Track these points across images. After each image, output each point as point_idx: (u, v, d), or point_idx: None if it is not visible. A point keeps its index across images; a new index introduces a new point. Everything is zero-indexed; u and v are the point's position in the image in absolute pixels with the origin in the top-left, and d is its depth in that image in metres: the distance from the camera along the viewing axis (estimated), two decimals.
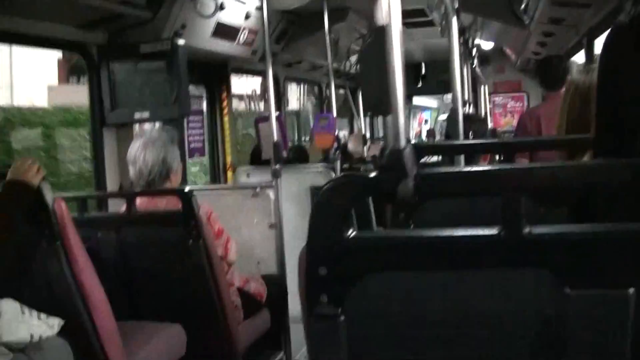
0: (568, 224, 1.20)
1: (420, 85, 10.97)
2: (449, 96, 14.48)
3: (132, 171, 3.66)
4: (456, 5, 5.21)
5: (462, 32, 6.10)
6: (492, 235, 1.18)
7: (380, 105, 1.24)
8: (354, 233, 1.23)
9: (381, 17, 1.24)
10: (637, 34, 1.44)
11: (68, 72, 13.54)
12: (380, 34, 1.24)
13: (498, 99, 10.58)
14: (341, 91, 9.28)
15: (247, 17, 5.08)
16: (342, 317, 1.24)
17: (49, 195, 2.57)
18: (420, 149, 2.30)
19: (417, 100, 16.03)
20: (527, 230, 1.17)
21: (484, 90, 8.81)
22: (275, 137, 3.98)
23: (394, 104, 1.23)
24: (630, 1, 3.79)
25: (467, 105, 6.46)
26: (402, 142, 1.24)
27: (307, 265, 1.26)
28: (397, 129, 1.24)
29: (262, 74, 5.65)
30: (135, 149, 3.65)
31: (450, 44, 3.54)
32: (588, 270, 1.15)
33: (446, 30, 3.78)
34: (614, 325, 1.14)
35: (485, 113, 9.17)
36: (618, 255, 1.15)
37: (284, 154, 4.15)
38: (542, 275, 1.17)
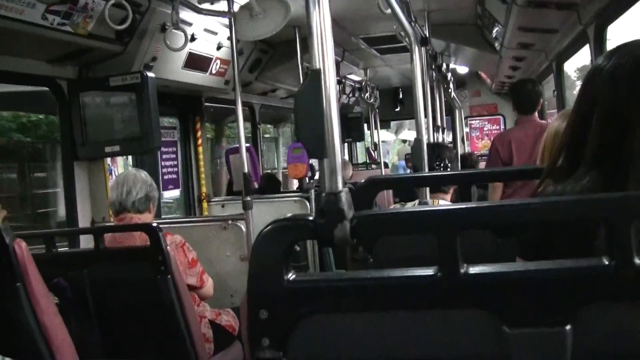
0: (504, 263, 1.21)
1: (398, 109, 11.07)
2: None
3: (114, 193, 3.68)
4: (427, 33, 5.28)
5: (434, 58, 6.15)
6: (429, 276, 1.19)
7: (316, 148, 1.25)
8: (293, 276, 1.24)
9: (316, 60, 1.26)
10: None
11: None
12: (315, 77, 1.25)
13: (475, 122, 10.66)
14: None
15: (218, 47, 5.10)
16: None
17: (8, 235, 2.56)
18: (378, 183, 2.32)
19: None
20: (463, 270, 1.17)
21: (459, 114, 8.87)
22: (246, 169, 3.98)
23: (330, 147, 1.24)
24: (593, 27, 3.85)
25: (442, 130, 6.49)
26: (339, 186, 1.24)
27: (248, 309, 1.26)
28: (334, 172, 1.24)
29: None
30: (125, 173, 3.84)
31: (414, 72, 3.56)
32: (525, 308, 1.16)
33: (412, 58, 3.79)
34: None
35: (462, 138, 9.22)
36: (554, 293, 1.16)
37: (255, 185, 4.14)
38: (480, 315, 1.18)
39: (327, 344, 1.25)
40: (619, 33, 3.92)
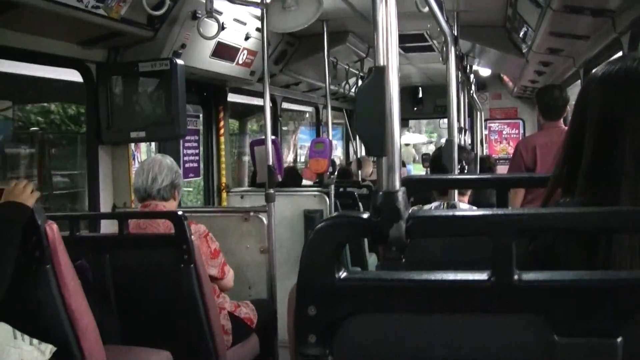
0: (559, 271, 1.19)
1: (417, 109, 11.03)
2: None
3: (140, 179, 3.69)
4: (455, 33, 5.25)
5: (460, 59, 6.12)
6: (481, 281, 1.17)
7: (376, 145, 1.23)
8: (344, 274, 1.22)
9: (381, 57, 1.24)
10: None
11: None
12: (378, 74, 1.23)
13: (494, 125, 10.61)
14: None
15: (246, 38, 5.09)
16: (330, 358, 1.22)
17: (40, 217, 2.56)
18: (414, 183, 2.31)
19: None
20: (516, 276, 1.16)
21: (480, 116, 8.82)
22: (270, 161, 3.97)
23: (390, 145, 1.23)
24: (627, 35, 3.81)
25: (464, 132, 6.46)
26: (397, 185, 1.23)
27: (296, 304, 1.25)
28: (392, 171, 1.23)
29: (260, 94, 5.68)
30: (151, 158, 3.83)
31: (448, 73, 3.54)
32: (577, 318, 1.15)
33: (446, 58, 3.77)
34: None
35: (482, 140, 9.17)
36: (607, 303, 1.15)
37: (279, 178, 4.13)
38: (530, 322, 1.16)
39: (374, 344, 1.24)
40: None
